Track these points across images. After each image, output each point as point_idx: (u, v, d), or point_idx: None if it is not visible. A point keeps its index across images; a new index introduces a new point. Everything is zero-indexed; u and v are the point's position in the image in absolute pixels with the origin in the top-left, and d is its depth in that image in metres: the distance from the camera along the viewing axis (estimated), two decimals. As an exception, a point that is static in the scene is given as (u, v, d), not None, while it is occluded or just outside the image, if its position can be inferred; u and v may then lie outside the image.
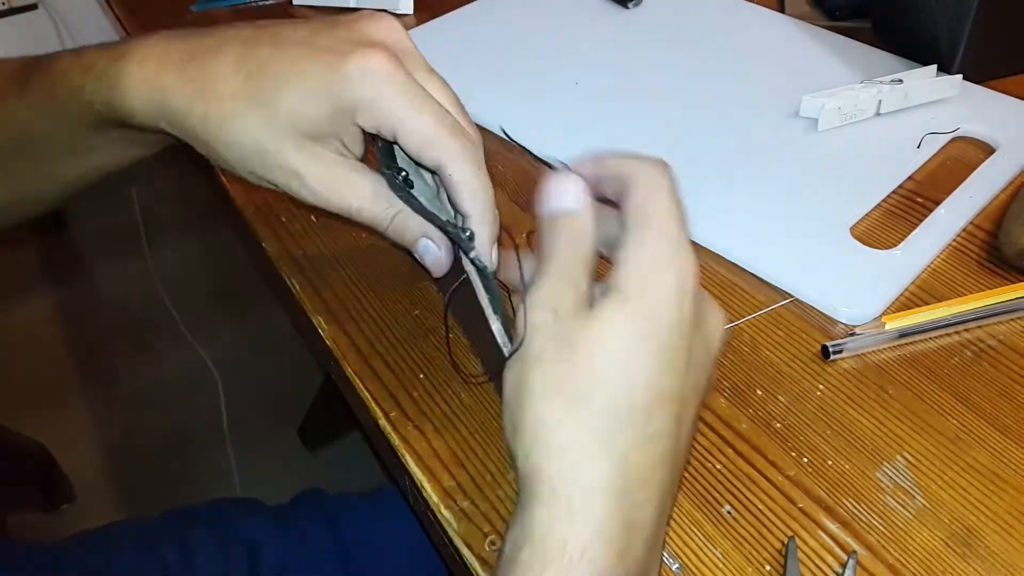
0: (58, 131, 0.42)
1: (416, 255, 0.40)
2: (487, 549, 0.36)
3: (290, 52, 0.36)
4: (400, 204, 0.39)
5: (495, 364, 0.36)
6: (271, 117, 0.36)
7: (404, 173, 0.39)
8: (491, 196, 0.37)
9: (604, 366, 0.29)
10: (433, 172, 0.38)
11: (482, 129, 0.60)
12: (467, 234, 0.37)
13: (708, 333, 0.32)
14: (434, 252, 0.39)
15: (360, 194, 0.38)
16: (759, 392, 0.42)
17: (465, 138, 0.36)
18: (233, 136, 0.36)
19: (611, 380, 0.29)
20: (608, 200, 0.34)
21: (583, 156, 0.34)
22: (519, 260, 0.37)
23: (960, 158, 0.55)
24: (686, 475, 0.39)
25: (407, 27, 0.70)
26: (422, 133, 0.35)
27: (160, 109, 0.37)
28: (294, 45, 0.36)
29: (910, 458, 0.39)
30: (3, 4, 1.88)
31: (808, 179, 0.54)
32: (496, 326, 0.36)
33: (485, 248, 0.37)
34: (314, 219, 0.54)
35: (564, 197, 0.33)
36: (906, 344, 0.44)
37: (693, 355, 0.31)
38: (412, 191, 0.39)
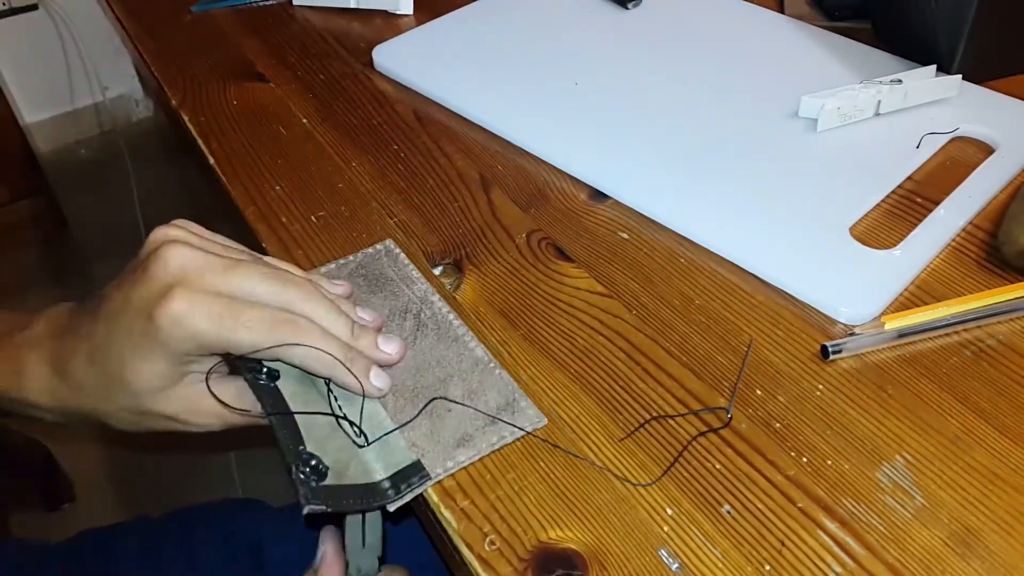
0: None
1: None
2: (487, 549, 0.36)
3: (116, 329, 0.40)
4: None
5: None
6: (127, 392, 0.41)
7: (265, 369, 0.41)
8: (338, 346, 0.40)
9: None
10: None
11: (482, 129, 0.60)
12: (307, 471, 0.37)
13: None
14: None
15: (229, 402, 0.41)
16: (759, 392, 0.42)
17: (284, 327, 0.39)
18: (111, 414, 0.43)
19: None
20: None
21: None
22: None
23: (959, 158, 0.55)
24: (686, 475, 0.39)
25: (407, 28, 0.71)
26: (244, 346, 0.38)
27: (63, 412, 0.44)
28: (117, 319, 0.40)
29: (910, 458, 0.39)
30: (3, 4, 1.88)
31: (808, 179, 0.54)
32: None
33: (357, 389, 0.40)
34: (314, 219, 0.54)
35: None
36: (906, 344, 0.44)
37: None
38: (277, 383, 0.41)
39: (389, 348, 0.42)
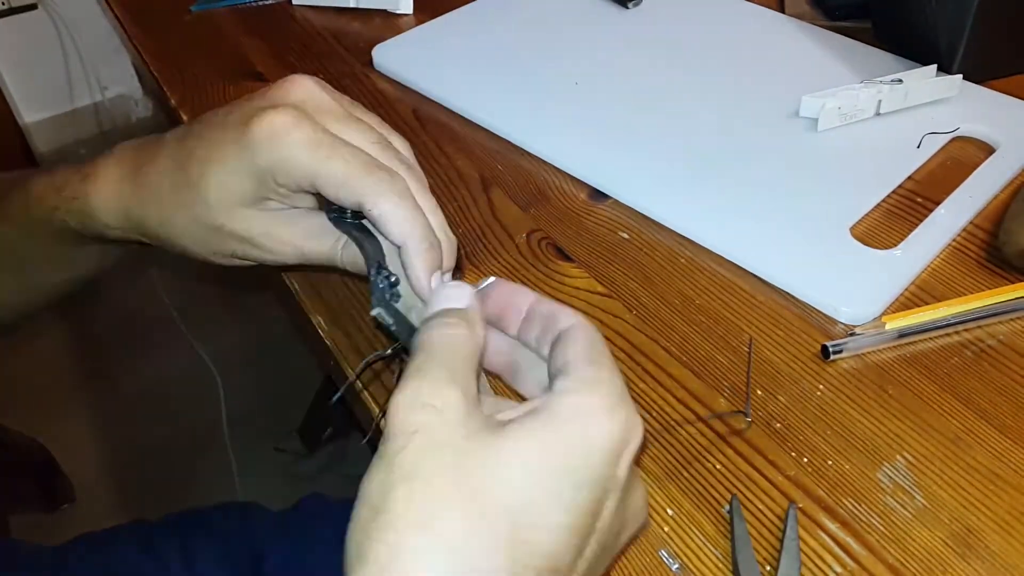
0: (39, 249, 0.45)
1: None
2: (487, 549, 0.36)
3: (209, 135, 0.37)
4: (343, 236, 0.39)
5: None
6: (204, 202, 0.38)
7: (348, 212, 0.40)
8: (423, 224, 0.36)
9: (501, 500, 0.24)
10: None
11: (482, 129, 0.60)
12: (385, 279, 0.36)
13: (629, 512, 0.29)
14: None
15: (303, 235, 0.39)
16: (759, 392, 0.42)
17: (382, 172, 0.36)
18: (182, 227, 0.39)
19: (504, 524, 0.24)
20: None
21: (515, 288, 0.34)
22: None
23: (960, 158, 0.55)
24: (686, 475, 0.39)
25: (407, 27, 0.71)
26: (334, 177, 0.35)
27: (127, 220, 0.40)
28: (213, 127, 0.38)
29: (910, 458, 0.39)
30: (3, 4, 1.88)
31: (808, 179, 0.54)
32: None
33: (418, 277, 0.36)
34: (314, 219, 0.54)
35: (450, 299, 0.31)
36: (906, 344, 0.44)
37: (604, 531, 0.27)
38: (363, 221, 0.39)
39: (460, 290, 0.35)
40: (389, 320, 0.35)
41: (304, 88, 0.38)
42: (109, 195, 0.40)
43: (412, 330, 0.35)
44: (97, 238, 0.43)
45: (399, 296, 0.37)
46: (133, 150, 0.41)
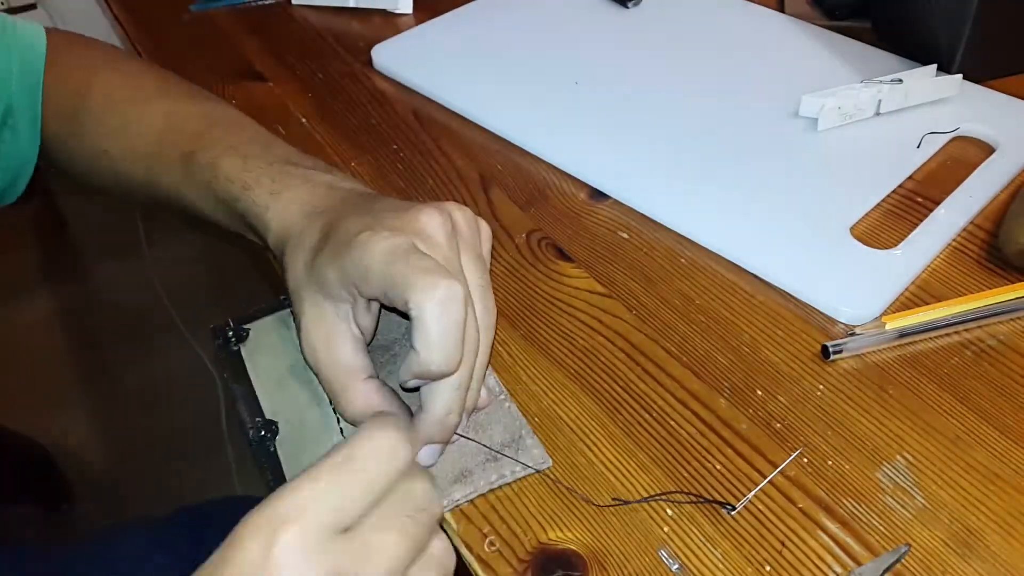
0: (210, 213, 0.48)
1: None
2: (487, 549, 0.36)
3: (359, 222, 0.37)
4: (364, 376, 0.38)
5: None
6: (309, 272, 0.38)
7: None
8: (453, 347, 0.34)
9: None
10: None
11: (481, 128, 0.60)
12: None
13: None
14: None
15: (331, 358, 0.38)
16: (759, 392, 0.42)
17: (446, 281, 0.34)
18: (289, 273, 0.40)
19: None
20: None
21: None
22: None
23: (960, 158, 0.55)
24: (686, 475, 0.39)
25: (406, 27, 0.71)
26: (396, 279, 0.34)
27: (283, 246, 0.41)
28: (367, 216, 0.38)
29: (910, 458, 0.39)
30: (2, 4, 1.88)
31: (808, 179, 0.53)
32: None
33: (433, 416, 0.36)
34: (313, 219, 0.53)
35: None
36: (906, 344, 0.44)
37: None
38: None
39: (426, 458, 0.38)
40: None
41: (440, 220, 0.37)
42: (285, 222, 0.41)
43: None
44: (256, 232, 0.45)
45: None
46: (323, 190, 0.42)
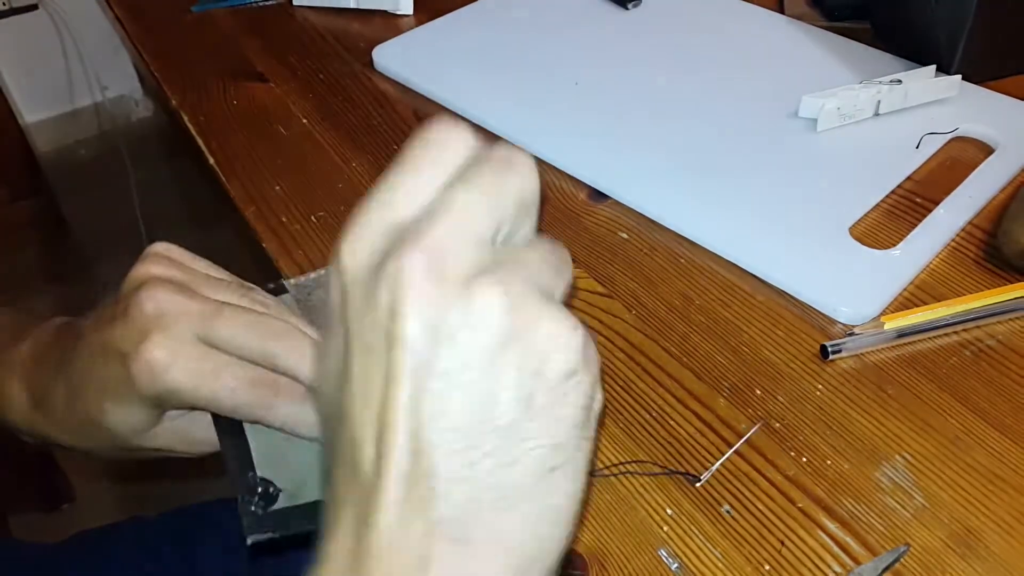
0: None
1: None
2: (487, 549, 0.36)
3: (93, 371, 0.37)
4: None
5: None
6: (113, 435, 0.39)
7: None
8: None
9: None
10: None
11: (482, 129, 0.60)
12: (259, 500, 0.36)
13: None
14: None
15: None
16: (758, 392, 0.42)
17: (266, 389, 0.35)
18: (104, 451, 0.41)
19: None
20: None
21: None
22: None
23: (959, 158, 0.55)
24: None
25: (407, 28, 0.71)
26: (229, 406, 0.36)
27: (48, 443, 0.43)
28: (95, 357, 0.37)
29: (909, 458, 0.39)
30: (3, 4, 1.88)
31: (807, 179, 0.54)
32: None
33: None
34: (314, 219, 0.54)
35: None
36: (905, 344, 0.44)
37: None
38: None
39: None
40: (273, 534, 0.34)
41: (156, 298, 0.36)
42: (24, 419, 0.42)
43: (312, 507, 0.35)
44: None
45: (275, 499, 0.36)
46: (34, 369, 0.42)
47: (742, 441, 0.40)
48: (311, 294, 0.44)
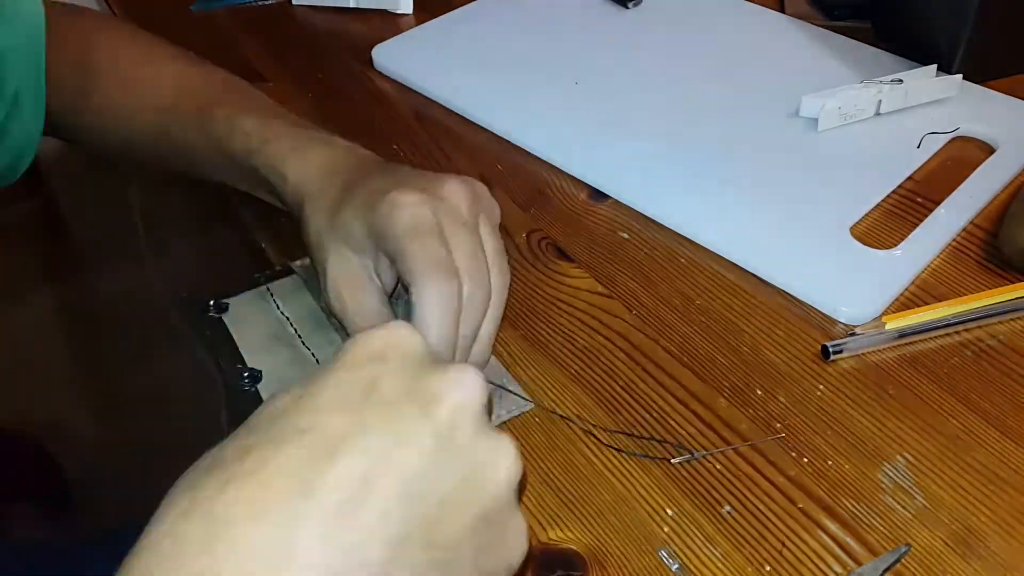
0: (217, 168, 0.49)
1: None
2: (487, 549, 0.36)
3: (387, 181, 0.39)
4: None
5: None
6: (333, 224, 0.40)
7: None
8: (448, 333, 0.36)
9: None
10: None
11: (482, 129, 0.60)
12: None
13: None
14: None
15: (358, 304, 0.40)
16: (759, 392, 0.42)
17: (447, 281, 0.36)
18: (309, 225, 0.42)
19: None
20: None
21: None
22: None
23: (960, 158, 0.55)
24: (686, 475, 0.39)
25: (407, 27, 0.71)
26: (408, 257, 0.37)
27: (301, 199, 0.43)
28: (393, 177, 0.40)
29: (910, 458, 0.39)
30: (3, 4, 1.88)
31: (808, 179, 0.54)
32: None
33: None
34: (314, 219, 0.53)
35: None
36: (906, 344, 0.44)
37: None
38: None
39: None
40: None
41: (464, 184, 0.40)
42: (306, 180, 0.43)
43: None
44: (270, 189, 0.46)
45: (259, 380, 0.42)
46: (344, 153, 0.44)
47: (744, 444, 0.40)
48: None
